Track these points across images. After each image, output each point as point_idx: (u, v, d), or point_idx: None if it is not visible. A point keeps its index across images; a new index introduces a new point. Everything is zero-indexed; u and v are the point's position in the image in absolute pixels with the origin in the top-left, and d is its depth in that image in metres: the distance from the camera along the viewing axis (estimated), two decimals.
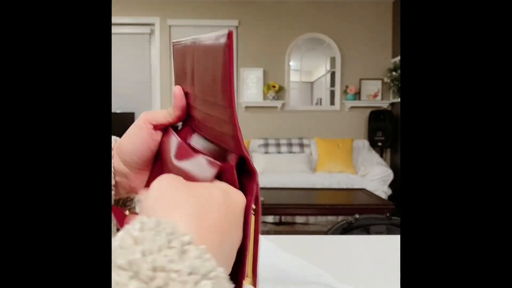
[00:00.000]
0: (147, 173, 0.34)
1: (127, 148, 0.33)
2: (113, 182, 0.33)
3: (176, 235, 0.18)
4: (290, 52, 4.31)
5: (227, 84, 0.22)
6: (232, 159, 0.24)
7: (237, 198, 0.23)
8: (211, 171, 0.25)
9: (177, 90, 0.32)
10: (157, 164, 0.33)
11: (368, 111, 4.28)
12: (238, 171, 0.24)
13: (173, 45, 0.34)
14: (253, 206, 0.25)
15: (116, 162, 0.33)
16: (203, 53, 0.26)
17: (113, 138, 0.35)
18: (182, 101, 0.32)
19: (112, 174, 0.33)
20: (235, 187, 0.24)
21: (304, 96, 4.45)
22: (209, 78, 0.25)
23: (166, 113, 0.32)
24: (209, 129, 0.28)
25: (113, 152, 0.33)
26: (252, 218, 0.24)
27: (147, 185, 0.32)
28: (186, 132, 0.32)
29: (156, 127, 0.32)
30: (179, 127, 0.33)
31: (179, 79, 0.33)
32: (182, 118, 0.33)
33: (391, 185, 3.63)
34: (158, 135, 0.33)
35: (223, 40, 0.22)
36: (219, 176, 0.25)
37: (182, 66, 0.32)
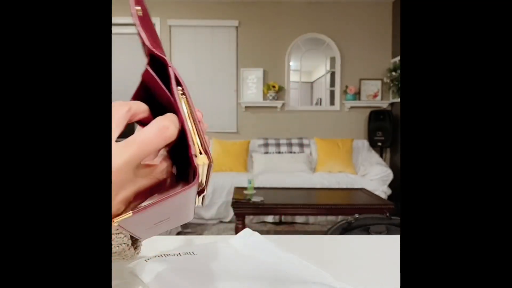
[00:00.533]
0: None
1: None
2: None
3: None
4: (290, 52, 4.31)
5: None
6: (146, 62, 0.28)
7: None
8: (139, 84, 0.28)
9: None
10: None
11: (368, 111, 4.29)
12: (156, 68, 0.27)
13: None
14: (179, 88, 0.26)
15: None
16: None
17: None
18: None
19: None
20: (155, 81, 0.26)
21: (304, 96, 4.45)
22: None
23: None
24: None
25: None
26: (182, 98, 0.26)
27: None
28: None
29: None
30: None
31: None
32: None
33: (390, 185, 3.63)
34: None
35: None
36: (145, 84, 0.28)
37: None
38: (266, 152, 4.01)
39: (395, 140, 4.13)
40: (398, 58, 4.13)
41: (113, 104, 0.25)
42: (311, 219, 3.40)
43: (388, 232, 1.31)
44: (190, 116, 0.26)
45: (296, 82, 4.39)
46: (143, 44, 0.28)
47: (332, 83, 4.37)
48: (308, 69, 4.46)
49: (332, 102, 4.38)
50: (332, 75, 4.36)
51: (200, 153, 0.24)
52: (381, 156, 4.17)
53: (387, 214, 1.44)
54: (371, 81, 4.32)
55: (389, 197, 3.55)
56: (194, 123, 0.25)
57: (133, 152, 0.23)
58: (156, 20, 4.26)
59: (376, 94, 4.33)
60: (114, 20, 4.12)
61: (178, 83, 0.26)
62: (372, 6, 4.29)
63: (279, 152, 4.01)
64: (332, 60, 4.34)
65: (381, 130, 4.15)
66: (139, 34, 0.27)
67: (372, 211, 2.35)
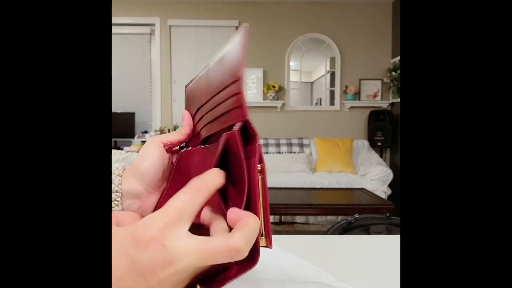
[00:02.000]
0: (158, 195, 0.35)
1: (143, 165, 0.34)
2: (121, 207, 0.34)
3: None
4: (290, 53, 4.31)
5: (242, 57, 0.25)
6: (236, 127, 0.26)
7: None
8: (220, 145, 0.27)
9: (185, 112, 0.37)
10: (167, 185, 0.35)
11: (368, 111, 4.29)
12: (242, 137, 0.25)
13: (186, 88, 0.40)
14: (259, 167, 0.25)
15: (129, 184, 0.34)
16: (219, 61, 0.29)
17: (120, 165, 0.36)
18: (190, 119, 0.36)
19: (121, 197, 0.34)
20: (239, 151, 0.25)
21: (304, 96, 4.46)
22: (223, 68, 0.28)
23: (176, 132, 0.36)
24: (215, 122, 0.30)
25: (123, 175, 0.35)
26: (260, 177, 0.25)
27: (156, 208, 0.34)
28: (193, 145, 0.36)
29: (165, 146, 0.35)
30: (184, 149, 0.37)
31: (188, 107, 0.38)
32: (190, 136, 0.36)
33: (390, 185, 3.64)
34: (168, 155, 0.36)
35: (240, 28, 0.25)
36: (226, 146, 0.26)
37: (192, 95, 0.36)
38: (266, 152, 4.01)
39: (395, 140, 4.13)
40: (398, 58, 4.13)
41: (185, 191, 0.24)
42: (311, 219, 3.40)
43: (388, 232, 1.31)
44: (262, 197, 0.25)
45: (296, 82, 4.39)
46: (239, 106, 0.25)
47: (332, 83, 4.37)
48: (308, 69, 4.45)
49: (332, 102, 4.38)
50: (332, 75, 4.36)
51: (262, 235, 0.24)
52: (381, 156, 4.17)
53: (387, 214, 1.43)
54: (371, 81, 4.32)
55: (389, 197, 3.55)
56: (264, 205, 0.25)
57: (198, 260, 0.22)
58: (156, 20, 4.26)
59: (376, 94, 4.33)
60: (115, 20, 4.12)
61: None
62: (372, 7, 4.29)
63: (279, 152, 4.01)
64: (332, 60, 4.34)
65: (381, 130, 4.15)
66: (240, 95, 0.25)
67: (372, 211, 2.35)
